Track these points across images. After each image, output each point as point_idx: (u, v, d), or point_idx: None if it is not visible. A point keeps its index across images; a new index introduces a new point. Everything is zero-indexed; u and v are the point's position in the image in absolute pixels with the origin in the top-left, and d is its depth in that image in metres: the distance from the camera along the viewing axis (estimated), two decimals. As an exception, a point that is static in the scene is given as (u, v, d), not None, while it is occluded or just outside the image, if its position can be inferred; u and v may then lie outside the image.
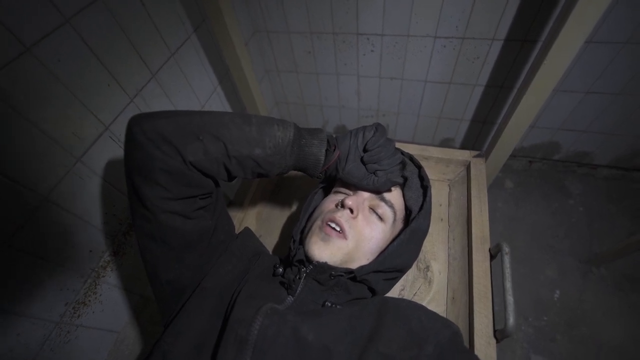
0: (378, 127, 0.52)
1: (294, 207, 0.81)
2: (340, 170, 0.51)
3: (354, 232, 0.51)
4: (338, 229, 0.50)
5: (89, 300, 0.65)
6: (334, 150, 0.50)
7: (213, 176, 0.46)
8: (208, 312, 0.45)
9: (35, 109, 0.51)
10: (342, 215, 0.51)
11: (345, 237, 0.50)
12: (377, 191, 0.55)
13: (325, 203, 0.57)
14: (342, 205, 0.52)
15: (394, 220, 0.55)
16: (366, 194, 0.55)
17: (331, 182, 0.64)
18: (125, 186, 0.45)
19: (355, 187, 0.56)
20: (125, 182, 0.45)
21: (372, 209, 0.54)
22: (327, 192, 0.66)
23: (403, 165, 0.58)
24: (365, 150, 0.51)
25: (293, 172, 0.53)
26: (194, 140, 0.42)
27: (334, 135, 0.52)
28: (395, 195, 0.57)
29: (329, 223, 0.50)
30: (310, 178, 0.55)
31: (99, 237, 0.65)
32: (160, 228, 0.44)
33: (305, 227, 0.57)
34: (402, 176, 0.58)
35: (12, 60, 0.47)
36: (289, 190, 0.85)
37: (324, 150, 0.49)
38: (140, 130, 0.41)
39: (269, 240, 0.76)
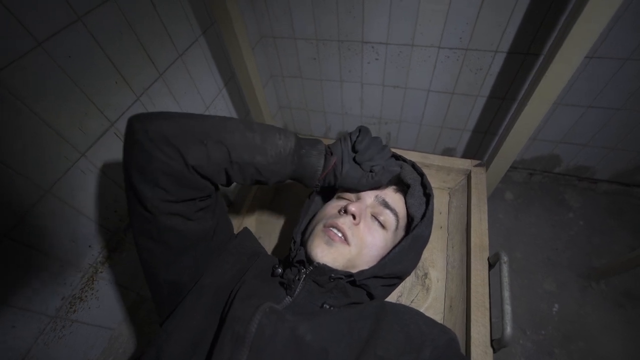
0: (361, 128, 0.53)
1: (294, 209, 0.81)
2: (338, 174, 0.51)
3: (356, 239, 0.51)
4: (340, 234, 0.50)
5: (86, 296, 0.65)
6: (331, 155, 0.51)
7: (211, 180, 0.46)
8: (204, 311, 0.45)
9: (42, 102, 0.51)
10: (345, 222, 0.51)
11: (348, 243, 0.50)
12: (378, 187, 0.55)
13: (328, 207, 0.57)
14: (345, 211, 0.52)
15: (397, 227, 0.55)
16: (369, 201, 0.55)
17: (327, 192, 0.64)
18: (124, 183, 0.45)
19: (356, 191, 0.56)
20: (123, 180, 0.45)
21: (374, 217, 0.54)
22: (326, 195, 0.66)
23: (396, 157, 0.60)
24: (355, 152, 0.52)
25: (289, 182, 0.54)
26: (198, 144, 0.42)
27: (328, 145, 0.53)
28: (398, 203, 0.57)
29: (331, 228, 0.51)
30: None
31: (99, 232, 0.66)
32: (160, 228, 0.44)
33: (306, 229, 0.57)
34: (406, 184, 0.58)
35: (23, 55, 0.47)
36: (289, 192, 0.85)
37: (322, 162, 0.50)
38: (143, 130, 0.40)
39: (269, 241, 0.76)
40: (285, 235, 0.76)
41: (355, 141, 0.52)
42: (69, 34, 0.53)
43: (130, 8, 0.63)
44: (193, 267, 0.49)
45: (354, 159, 0.52)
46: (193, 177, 0.43)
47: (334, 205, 0.56)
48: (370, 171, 0.52)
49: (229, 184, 0.49)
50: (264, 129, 0.47)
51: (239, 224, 0.78)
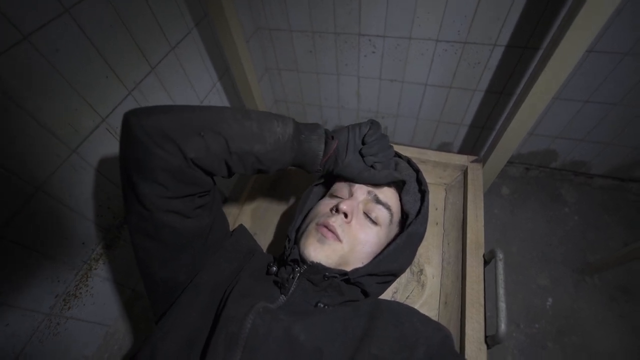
0: (373, 122, 0.53)
1: (290, 206, 0.80)
2: (340, 161, 0.51)
3: (349, 237, 0.50)
4: (332, 232, 0.50)
5: (80, 293, 0.64)
6: (332, 139, 0.51)
7: (213, 173, 0.45)
8: (199, 309, 0.45)
9: (31, 98, 0.50)
10: (336, 221, 0.50)
11: (340, 241, 0.50)
12: (375, 184, 0.55)
13: (320, 206, 0.56)
14: (337, 209, 0.52)
15: (390, 222, 0.54)
16: (361, 197, 0.55)
17: (328, 180, 0.64)
18: (120, 180, 0.45)
19: (351, 185, 0.56)
20: (120, 177, 0.44)
21: (366, 214, 0.54)
22: (327, 182, 0.65)
23: (396, 162, 0.60)
24: (363, 144, 0.52)
25: (290, 170, 0.53)
26: (195, 136, 0.41)
27: (331, 130, 0.53)
28: (391, 197, 0.56)
29: (323, 227, 0.50)
30: (307, 175, 0.55)
31: (92, 229, 0.65)
32: (157, 226, 0.43)
33: (300, 226, 0.57)
34: (401, 180, 0.58)
35: (9, 48, 0.46)
36: (284, 189, 0.85)
37: (322, 146, 0.49)
38: (139, 126, 0.40)
39: (264, 238, 0.75)
40: (281, 232, 0.76)
41: (366, 133, 0.52)
42: (56, 27, 0.52)
43: None
44: (190, 264, 0.49)
45: (359, 151, 0.52)
46: (192, 171, 0.42)
47: (327, 203, 0.56)
48: (372, 167, 0.52)
49: (230, 175, 0.48)
50: (262, 117, 0.46)
51: (234, 219, 0.77)
